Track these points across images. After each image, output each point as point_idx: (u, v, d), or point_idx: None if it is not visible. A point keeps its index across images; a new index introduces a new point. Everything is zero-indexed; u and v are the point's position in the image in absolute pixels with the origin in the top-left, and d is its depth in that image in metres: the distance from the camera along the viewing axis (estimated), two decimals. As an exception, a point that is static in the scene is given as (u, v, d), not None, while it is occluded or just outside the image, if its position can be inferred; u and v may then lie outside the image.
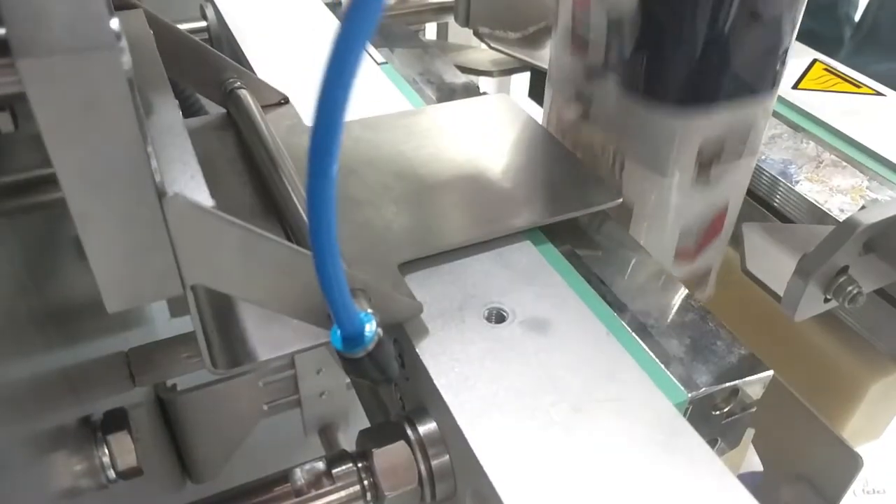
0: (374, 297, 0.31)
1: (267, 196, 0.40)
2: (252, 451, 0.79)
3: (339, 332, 0.27)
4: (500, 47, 0.53)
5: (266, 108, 0.47)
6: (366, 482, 0.32)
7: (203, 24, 0.67)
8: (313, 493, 0.31)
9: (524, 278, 0.36)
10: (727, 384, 0.32)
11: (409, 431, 0.32)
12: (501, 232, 0.39)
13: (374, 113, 0.49)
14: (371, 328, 0.28)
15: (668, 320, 0.35)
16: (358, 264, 0.34)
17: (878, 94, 0.52)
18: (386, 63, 0.58)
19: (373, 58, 0.58)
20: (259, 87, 0.47)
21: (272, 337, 0.32)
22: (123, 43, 0.21)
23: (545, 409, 0.30)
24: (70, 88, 0.21)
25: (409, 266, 0.36)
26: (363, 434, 0.33)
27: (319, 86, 0.20)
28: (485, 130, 0.47)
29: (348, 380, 0.87)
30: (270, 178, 0.39)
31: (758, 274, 0.37)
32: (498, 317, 0.34)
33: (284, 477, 0.32)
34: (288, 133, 0.46)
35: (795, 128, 0.48)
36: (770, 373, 0.33)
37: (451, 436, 0.31)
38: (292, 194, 0.37)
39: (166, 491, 0.60)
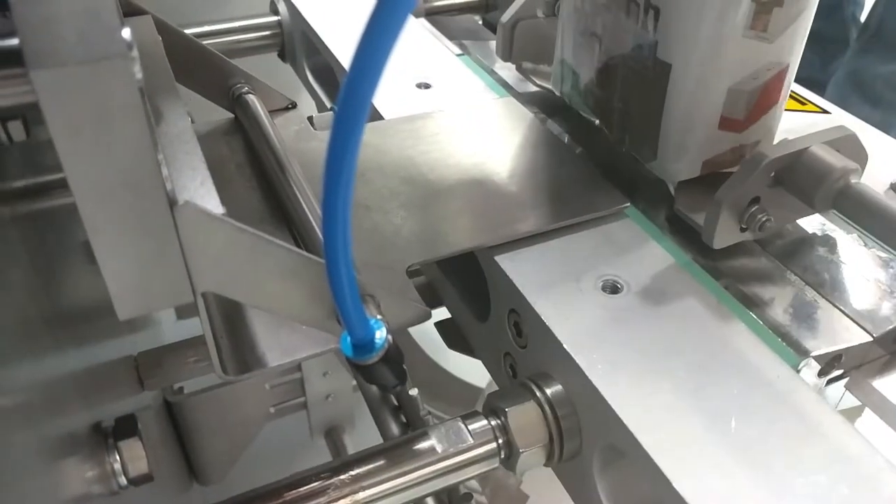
0: (384, 303, 0.31)
1: (275, 201, 0.40)
2: (259, 453, 0.79)
3: (349, 338, 0.28)
4: (543, 83, 0.52)
5: (273, 112, 0.47)
6: (500, 440, 0.33)
7: (274, 18, 0.67)
8: (452, 450, 0.32)
9: (631, 252, 0.39)
10: (833, 349, 0.34)
11: (538, 392, 0.34)
12: (509, 237, 0.39)
13: (460, 100, 0.51)
14: (381, 335, 0.28)
15: (767, 289, 0.37)
16: (366, 269, 0.34)
17: (823, 111, 0.51)
18: (463, 54, 0.59)
19: (449, 50, 0.60)
20: (267, 93, 0.47)
21: (281, 342, 0.32)
22: (135, 52, 0.21)
23: (671, 369, 0.32)
24: (82, 98, 0.21)
25: (517, 244, 0.39)
26: (492, 396, 0.34)
27: (338, 98, 0.20)
28: (492, 134, 0.48)
29: (354, 382, 0.87)
30: (279, 184, 0.40)
31: (685, 212, 0.39)
32: (613, 287, 0.36)
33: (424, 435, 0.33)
34: (296, 138, 0.46)
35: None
36: (869, 338, 0.34)
37: (582, 395, 0.32)
38: (301, 199, 0.37)
39: (174, 493, 0.60)
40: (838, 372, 0.35)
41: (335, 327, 0.29)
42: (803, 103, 0.53)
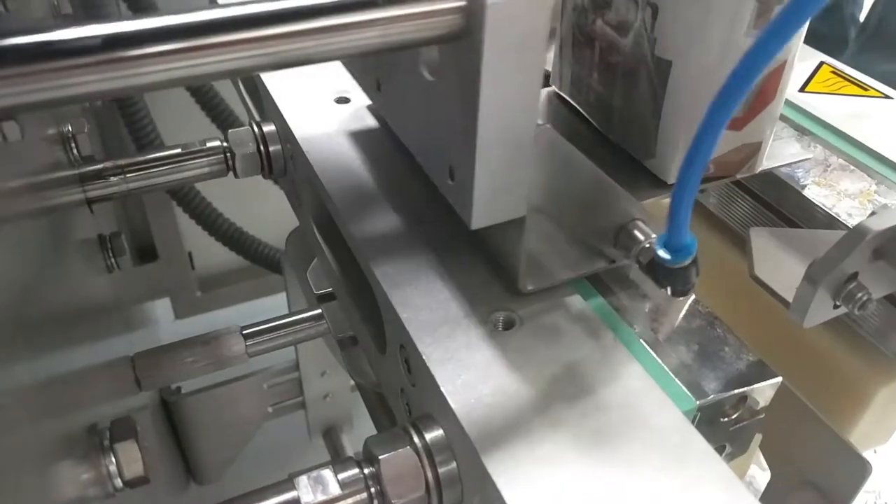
0: None
1: None
2: (256, 452, 0.79)
3: (665, 242, 0.29)
4: None
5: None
6: (372, 489, 0.31)
7: None
8: (319, 499, 0.31)
9: None
10: (735, 391, 0.32)
11: (416, 438, 0.32)
12: None
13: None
14: (693, 240, 0.29)
15: (676, 326, 0.35)
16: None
17: (886, 96, 0.51)
18: None
19: None
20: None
21: (564, 259, 0.35)
22: None
23: (553, 416, 0.30)
24: (512, 29, 0.25)
25: (409, 274, 0.36)
26: (369, 441, 0.33)
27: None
28: None
29: (352, 382, 0.87)
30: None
31: (766, 280, 0.37)
32: (506, 323, 0.34)
33: (290, 484, 0.32)
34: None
35: (802, 131, 0.48)
36: (778, 379, 0.33)
37: (458, 442, 0.30)
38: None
39: (171, 492, 0.60)
40: (747, 412, 0.33)
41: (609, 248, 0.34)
42: (865, 89, 0.52)
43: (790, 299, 0.35)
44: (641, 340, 0.34)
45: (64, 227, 0.40)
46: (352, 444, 0.91)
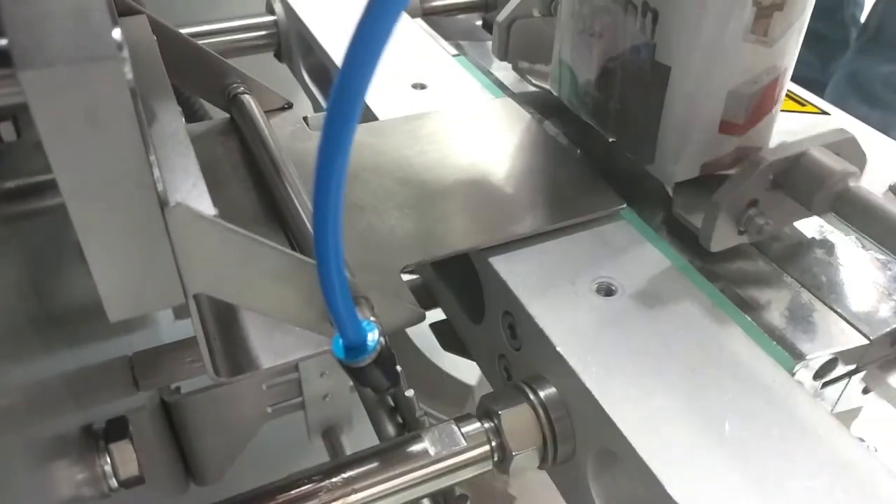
0: (377, 304, 0.30)
1: (270, 202, 0.40)
2: (256, 453, 0.79)
3: (340, 340, 0.27)
4: (539, 83, 0.52)
5: (269, 112, 0.47)
6: (493, 442, 0.33)
7: (271, 18, 0.67)
8: (445, 452, 0.32)
9: (626, 254, 0.38)
10: (829, 351, 0.34)
11: (531, 395, 0.34)
12: (505, 238, 0.38)
13: (455, 101, 0.51)
14: (374, 337, 0.28)
15: (763, 292, 0.37)
16: (360, 270, 0.34)
17: (823, 112, 0.51)
18: (459, 55, 0.59)
19: (445, 50, 0.59)
20: (262, 92, 0.47)
21: (274, 344, 0.32)
22: (125, 53, 0.21)
23: (666, 373, 0.32)
24: (71, 99, 0.21)
25: (511, 245, 0.38)
26: (486, 399, 0.34)
27: (329, 96, 0.20)
28: (489, 135, 0.47)
29: (352, 382, 0.87)
30: (273, 185, 0.39)
31: (683, 213, 0.39)
32: (607, 290, 0.36)
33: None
34: (291, 138, 0.46)
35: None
36: (865, 341, 0.34)
37: (576, 398, 0.32)
38: (295, 201, 0.37)
39: (170, 493, 0.60)
40: (835, 374, 0.35)
41: (328, 329, 0.29)
42: (802, 104, 0.52)
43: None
44: (734, 304, 0.36)
45: (62, 227, 0.40)
46: (351, 445, 0.91)
